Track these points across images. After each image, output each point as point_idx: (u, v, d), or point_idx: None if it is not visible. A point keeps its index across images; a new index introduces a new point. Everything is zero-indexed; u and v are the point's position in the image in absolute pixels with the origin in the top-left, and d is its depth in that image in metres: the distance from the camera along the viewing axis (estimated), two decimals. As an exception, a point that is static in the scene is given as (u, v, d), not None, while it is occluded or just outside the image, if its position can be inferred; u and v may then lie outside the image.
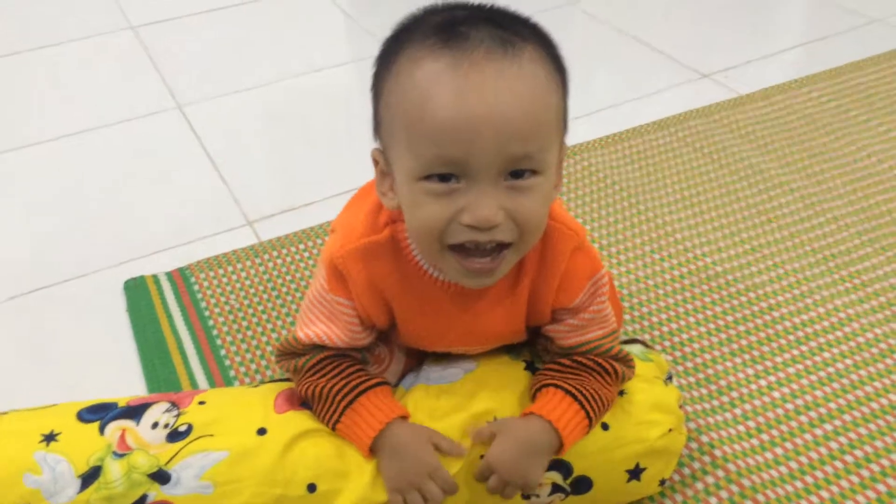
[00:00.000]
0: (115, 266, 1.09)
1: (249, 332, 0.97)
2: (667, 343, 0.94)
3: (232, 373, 0.92)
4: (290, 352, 0.71)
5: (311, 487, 0.67)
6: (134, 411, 0.71)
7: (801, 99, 1.40)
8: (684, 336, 0.95)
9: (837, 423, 0.84)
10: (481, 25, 0.57)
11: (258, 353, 0.94)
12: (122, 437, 0.68)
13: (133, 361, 0.95)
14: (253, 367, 0.93)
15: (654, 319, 0.97)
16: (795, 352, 0.92)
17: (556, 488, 0.71)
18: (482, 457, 0.67)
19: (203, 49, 1.68)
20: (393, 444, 0.66)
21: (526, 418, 0.68)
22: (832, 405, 0.86)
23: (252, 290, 1.03)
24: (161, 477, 0.66)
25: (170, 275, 1.05)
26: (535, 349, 0.76)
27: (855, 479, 0.78)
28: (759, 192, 1.18)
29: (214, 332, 0.97)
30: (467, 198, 0.57)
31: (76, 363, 0.95)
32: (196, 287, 1.03)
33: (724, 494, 0.77)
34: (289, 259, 1.08)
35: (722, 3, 1.77)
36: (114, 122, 1.43)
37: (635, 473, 0.72)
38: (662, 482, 0.75)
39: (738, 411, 0.85)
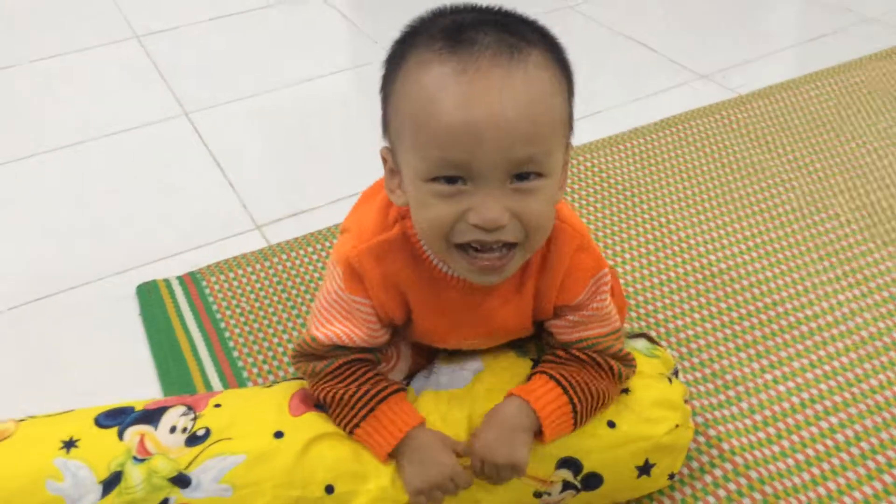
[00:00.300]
0: (126, 271, 1.10)
1: (261, 335, 0.98)
2: (673, 339, 0.95)
3: (245, 374, 0.93)
4: (309, 353, 0.71)
5: (329, 489, 0.68)
6: (151, 416, 0.71)
7: (800, 97, 1.41)
8: (690, 332, 0.96)
9: (843, 415, 0.85)
10: (488, 29, 0.58)
11: (270, 354, 0.96)
12: (142, 442, 0.69)
13: (146, 364, 0.96)
14: (266, 367, 0.94)
15: (660, 316, 0.98)
16: (800, 346, 0.94)
17: (566, 486, 0.72)
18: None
19: (209, 57, 1.69)
20: (414, 447, 0.68)
21: (504, 400, 0.70)
22: (837, 398, 0.87)
23: (262, 293, 1.04)
24: (181, 481, 0.67)
25: (181, 279, 1.07)
26: (540, 344, 0.77)
27: (862, 470, 0.80)
28: (761, 189, 1.20)
29: (227, 335, 0.98)
30: (473, 199, 0.58)
31: (90, 368, 0.96)
32: (207, 291, 1.05)
33: (732, 486, 0.78)
34: (297, 262, 1.09)
35: (718, 5, 1.78)
36: (122, 130, 1.44)
37: (645, 469, 0.73)
38: (671, 476, 0.76)
39: (744, 405, 0.86)
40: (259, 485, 0.67)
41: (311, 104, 1.50)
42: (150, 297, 1.04)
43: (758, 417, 0.85)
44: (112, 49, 1.73)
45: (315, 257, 1.10)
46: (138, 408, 0.73)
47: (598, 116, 1.41)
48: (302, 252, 1.11)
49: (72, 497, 0.66)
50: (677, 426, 0.73)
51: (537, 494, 0.72)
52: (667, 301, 1.01)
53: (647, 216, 1.16)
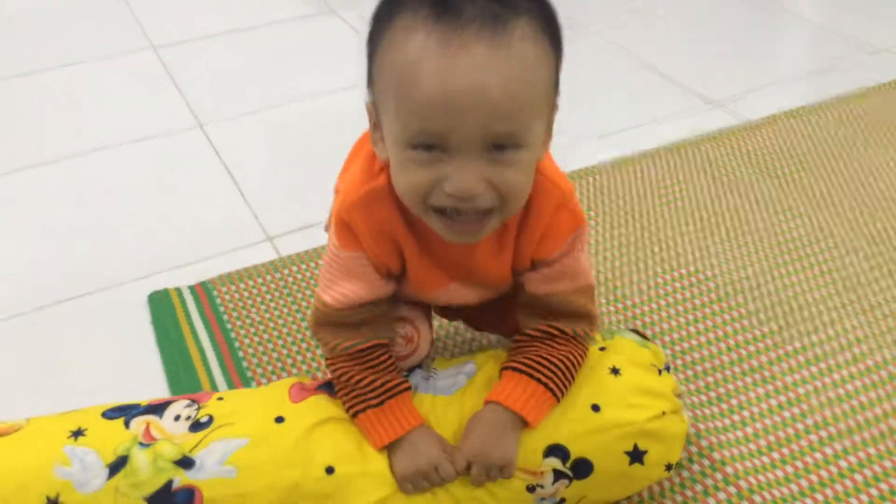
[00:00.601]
0: (137, 280, 1.12)
1: (270, 345, 0.99)
2: (679, 362, 0.96)
3: (254, 384, 0.94)
4: (324, 319, 0.73)
5: (330, 470, 0.69)
6: (156, 408, 0.74)
7: (809, 125, 1.43)
8: (696, 355, 0.97)
9: (847, 443, 0.86)
10: None
11: (279, 365, 0.96)
12: (147, 430, 0.71)
13: (157, 372, 0.97)
14: (274, 378, 0.95)
15: (667, 339, 0.99)
16: (805, 372, 0.94)
17: (557, 475, 0.72)
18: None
19: (224, 69, 1.71)
20: (410, 441, 0.71)
21: (486, 406, 0.72)
22: (842, 425, 0.88)
23: (273, 304, 1.05)
24: (185, 463, 0.69)
25: (193, 288, 1.08)
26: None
27: (864, 497, 0.80)
28: (769, 215, 1.21)
29: (237, 345, 0.99)
30: (450, 168, 0.59)
31: (100, 374, 0.97)
32: (219, 300, 1.06)
33: (736, 510, 0.79)
34: (308, 274, 1.10)
35: (730, 32, 1.80)
36: (136, 140, 1.46)
37: (636, 456, 0.73)
38: (669, 467, 0.76)
39: (749, 430, 0.87)
40: (261, 466, 0.69)
41: (323, 118, 1.52)
42: (162, 305, 1.05)
43: (762, 442, 0.86)
44: (128, 58, 1.75)
45: (325, 270, 1.11)
46: (143, 404, 0.75)
47: (607, 139, 1.42)
48: (312, 264, 1.12)
49: (79, 480, 0.68)
50: (664, 413, 0.73)
51: (530, 489, 0.72)
52: (674, 323, 1.02)
53: (654, 238, 1.17)
